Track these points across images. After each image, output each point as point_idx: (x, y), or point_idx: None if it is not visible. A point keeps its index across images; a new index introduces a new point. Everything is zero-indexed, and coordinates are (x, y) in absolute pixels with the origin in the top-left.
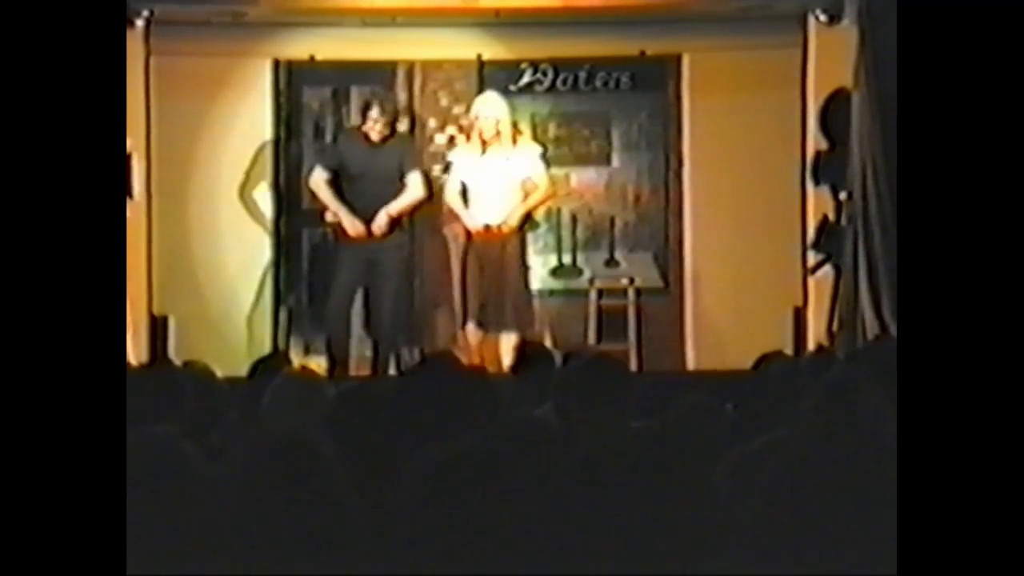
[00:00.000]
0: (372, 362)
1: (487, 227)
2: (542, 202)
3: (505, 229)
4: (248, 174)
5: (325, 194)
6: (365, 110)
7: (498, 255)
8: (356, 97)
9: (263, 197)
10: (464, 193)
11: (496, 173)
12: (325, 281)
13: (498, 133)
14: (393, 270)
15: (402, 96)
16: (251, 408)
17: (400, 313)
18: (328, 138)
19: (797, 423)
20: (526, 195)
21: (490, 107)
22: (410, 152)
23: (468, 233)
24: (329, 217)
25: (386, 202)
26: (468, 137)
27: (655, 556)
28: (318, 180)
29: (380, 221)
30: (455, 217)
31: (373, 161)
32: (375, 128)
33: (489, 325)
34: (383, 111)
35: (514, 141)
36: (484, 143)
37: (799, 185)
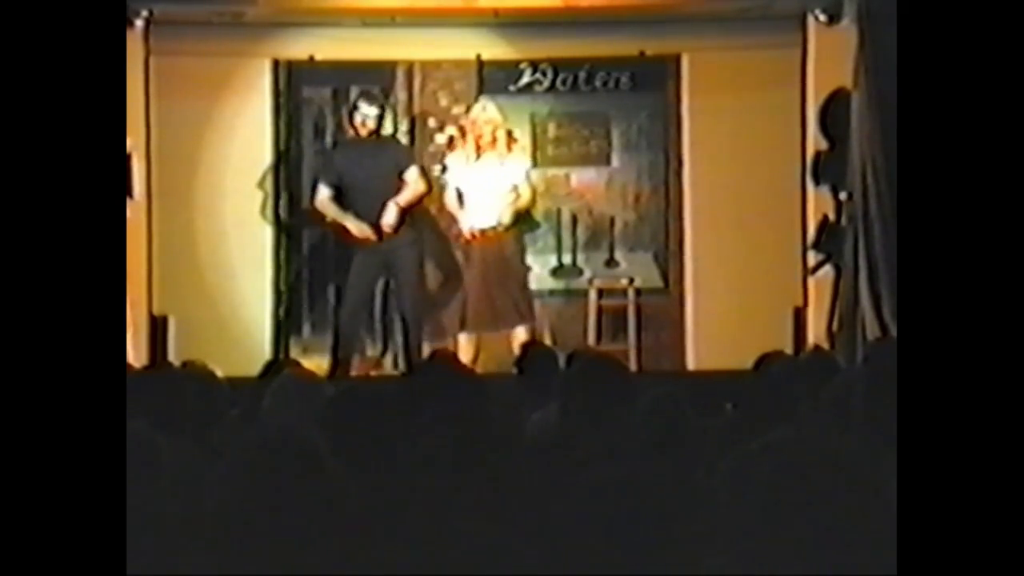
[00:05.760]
0: (402, 357)
1: (483, 231)
2: (530, 202)
3: (500, 230)
4: (248, 174)
5: (333, 211)
6: (353, 109)
7: (497, 256)
8: (348, 97)
9: (263, 197)
10: (459, 198)
11: (488, 179)
12: (339, 283)
13: (494, 140)
14: (409, 267)
15: (402, 96)
16: (251, 408)
17: (419, 309)
18: (328, 141)
19: (797, 423)
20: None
21: (488, 114)
22: (405, 151)
23: (465, 236)
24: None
25: (388, 200)
26: (464, 141)
27: (655, 556)
28: (324, 200)
29: (390, 214)
30: (455, 219)
31: (370, 162)
32: (365, 123)
33: (491, 325)
34: (370, 101)
35: (508, 149)
36: (479, 149)
37: (799, 185)
